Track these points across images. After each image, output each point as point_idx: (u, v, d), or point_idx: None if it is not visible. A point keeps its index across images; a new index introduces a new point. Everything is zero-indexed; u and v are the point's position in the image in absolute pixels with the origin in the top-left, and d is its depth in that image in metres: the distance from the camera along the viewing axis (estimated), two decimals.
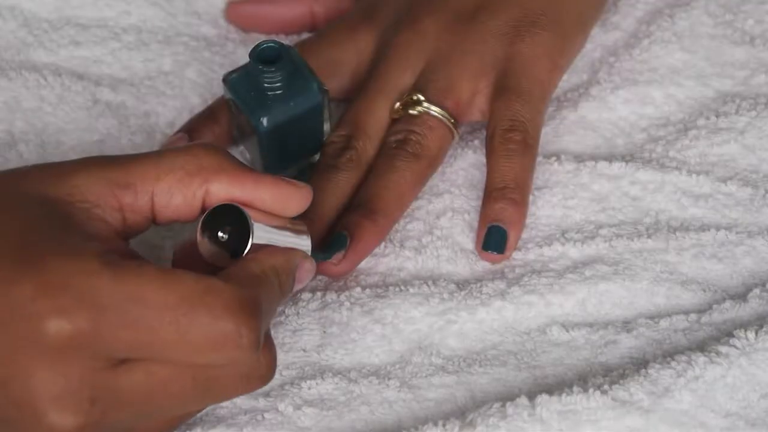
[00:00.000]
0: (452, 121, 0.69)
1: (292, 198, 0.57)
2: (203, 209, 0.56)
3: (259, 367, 0.53)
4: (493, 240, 0.66)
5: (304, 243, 0.59)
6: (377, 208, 0.66)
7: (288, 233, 0.58)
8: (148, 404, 0.51)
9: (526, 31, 0.70)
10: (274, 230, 0.57)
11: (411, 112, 0.68)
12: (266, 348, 0.54)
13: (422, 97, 0.69)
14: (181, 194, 0.56)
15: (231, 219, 0.56)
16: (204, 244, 0.56)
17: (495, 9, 0.71)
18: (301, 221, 0.59)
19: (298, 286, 0.58)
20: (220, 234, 0.56)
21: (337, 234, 0.65)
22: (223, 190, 0.56)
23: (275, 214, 0.57)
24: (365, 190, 0.67)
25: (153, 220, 0.57)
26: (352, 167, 0.68)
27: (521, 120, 0.68)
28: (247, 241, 0.55)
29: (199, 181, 0.56)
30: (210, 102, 0.74)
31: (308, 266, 0.58)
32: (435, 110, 0.68)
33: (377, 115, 0.69)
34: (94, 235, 0.53)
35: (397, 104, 0.69)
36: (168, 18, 0.78)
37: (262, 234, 0.56)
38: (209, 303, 0.50)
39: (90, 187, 0.54)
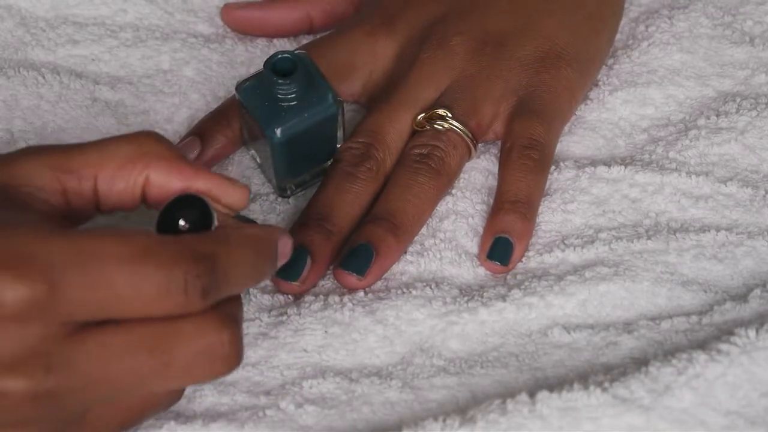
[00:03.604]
0: (473, 141, 0.69)
1: (228, 192, 0.57)
2: (143, 197, 0.57)
3: (220, 343, 0.52)
4: (499, 251, 0.66)
5: None
6: (401, 224, 0.66)
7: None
8: (104, 378, 0.51)
9: (552, 63, 0.71)
10: (231, 220, 0.57)
11: (437, 126, 0.69)
12: (228, 325, 0.52)
13: (449, 114, 0.69)
14: (123, 180, 0.56)
15: (189, 208, 0.55)
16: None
17: (523, 38, 0.71)
18: (254, 221, 0.59)
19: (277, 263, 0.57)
20: (181, 223, 0.55)
21: (362, 246, 0.65)
22: (162, 177, 0.56)
23: (224, 210, 0.57)
24: (388, 202, 0.67)
25: (97, 208, 0.57)
26: (371, 178, 0.68)
27: (540, 141, 0.69)
28: (209, 226, 0.55)
29: (140, 168, 0.56)
30: (208, 98, 0.74)
31: (288, 246, 0.58)
32: (461, 129, 0.69)
33: (399, 127, 0.69)
34: (39, 214, 0.53)
35: (421, 116, 0.69)
36: (165, 16, 0.78)
37: (222, 222, 0.56)
38: (160, 254, 0.50)
39: (33, 172, 0.54)
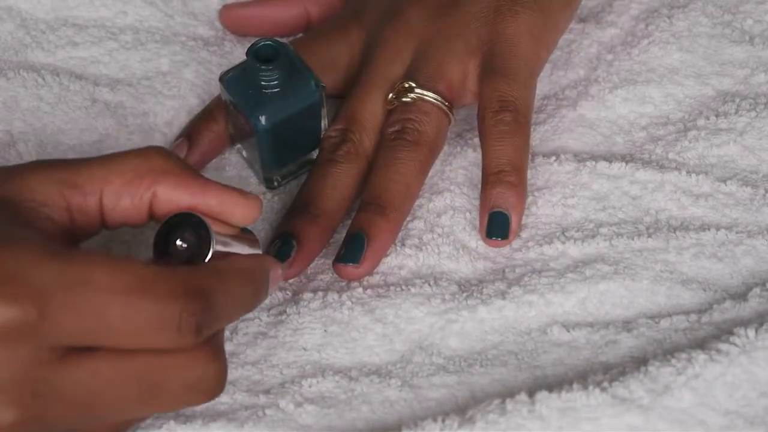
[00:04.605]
0: (446, 104, 0.69)
1: (239, 206, 0.56)
2: (151, 213, 0.56)
3: (208, 377, 0.52)
4: (496, 226, 0.67)
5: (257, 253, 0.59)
6: (388, 204, 0.66)
7: (242, 244, 0.57)
8: (91, 405, 0.50)
9: (508, 10, 0.70)
10: (229, 240, 0.56)
11: (404, 99, 0.69)
12: (217, 359, 0.53)
13: (414, 84, 0.69)
14: (128, 196, 0.55)
15: (187, 228, 0.55)
16: (160, 254, 0.55)
17: None
18: (251, 232, 0.59)
19: (269, 291, 0.57)
20: (178, 243, 0.55)
21: (353, 235, 0.66)
22: (170, 193, 0.55)
23: (226, 223, 0.56)
24: (372, 186, 0.67)
25: (103, 224, 0.56)
26: (350, 159, 0.68)
27: (510, 100, 0.68)
28: (207, 250, 0.54)
29: (147, 184, 0.55)
30: (207, 100, 0.74)
31: (278, 273, 0.58)
32: (428, 95, 0.69)
33: (371, 107, 0.70)
34: (41, 231, 0.53)
35: (390, 95, 0.69)
36: (165, 18, 0.78)
37: (219, 244, 0.55)
38: (156, 288, 0.50)
39: (38, 187, 0.53)
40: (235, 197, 0.56)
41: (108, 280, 0.49)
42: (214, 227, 0.55)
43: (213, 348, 0.52)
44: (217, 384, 0.53)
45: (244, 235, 0.58)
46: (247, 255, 0.56)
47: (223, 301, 0.52)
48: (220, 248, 0.55)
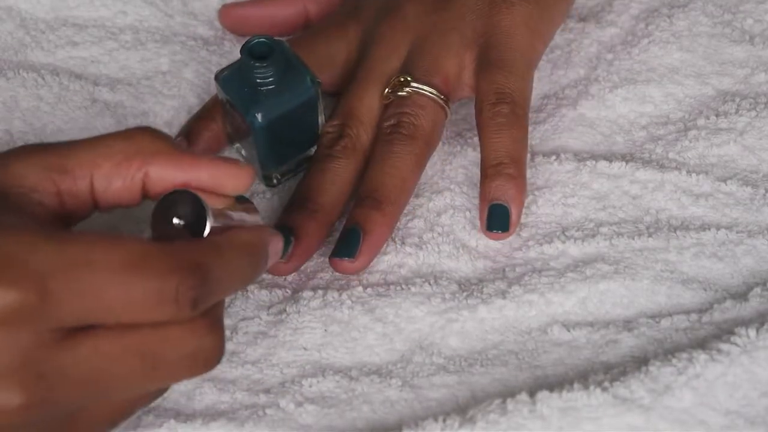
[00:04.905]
0: (442, 98, 0.69)
1: (231, 176, 0.56)
2: (144, 193, 0.56)
3: (204, 348, 0.53)
4: (496, 219, 0.66)
5: (257, 222, 0.59)
6: (383, 198, 0.66)
7: (241, 215, 0.57)
8: (95, 382, 0.51)
9: (503, 2, 0.70)
10: (227, 213, 0.56)
11: (400, 93, 0.69)
12: (215, 330, 0.53)
13: (409, 78, 0.69)
14: (120, 178, 0.55)
15: (183, 205, 0.55)
16: (158, 233, 0.55)
17: None
18: (250, 201, 0.59)
19: (268, 264, 0.58)
20: (175, 221, 0.55)
21: (349, 229, 0.66)
22: (161, 172, 0.55)
23: (222, 195, 0.56)
24: (367, 180, 0.67)
25: (95, 206, 0.56)
26: (348, 154, 0.68)
27: (507, 92, 0.68)
28: (204, 226, 0.54)
29: (138, 165, 0.55)
30: (206, 100, 0.74)
31: (279, 246, 0.58)
32: (424, 89, 0.69)
33: (368, 102, 0.70)
34: (32, 216, 0.53)
35: (387, 89, 0.69)
36: (165, 18, 0.78)
37: (216, 219, 0.55)
38: (152, 264, 0.50)
39: (26, 173, 0.53)
40: (225, 168, 0.56)
41: (105, 259, 0.49)
42: (209, 201, 0.55)
43: (211, 320, 0.53)
44: (214, 354, 0.53)
45: (242, 205, 0.58)
46: (246, 228, 0.56)
47: (221, 274, 0.52)
48: (217, 223, 0.55)
